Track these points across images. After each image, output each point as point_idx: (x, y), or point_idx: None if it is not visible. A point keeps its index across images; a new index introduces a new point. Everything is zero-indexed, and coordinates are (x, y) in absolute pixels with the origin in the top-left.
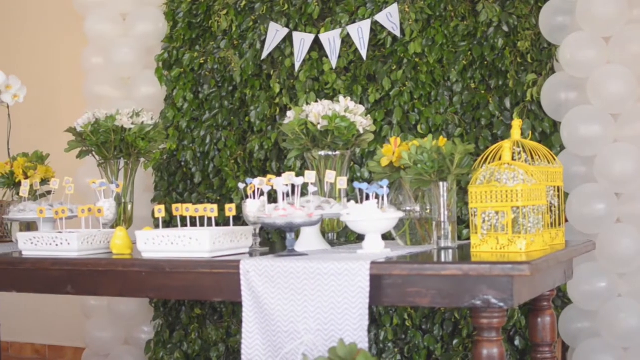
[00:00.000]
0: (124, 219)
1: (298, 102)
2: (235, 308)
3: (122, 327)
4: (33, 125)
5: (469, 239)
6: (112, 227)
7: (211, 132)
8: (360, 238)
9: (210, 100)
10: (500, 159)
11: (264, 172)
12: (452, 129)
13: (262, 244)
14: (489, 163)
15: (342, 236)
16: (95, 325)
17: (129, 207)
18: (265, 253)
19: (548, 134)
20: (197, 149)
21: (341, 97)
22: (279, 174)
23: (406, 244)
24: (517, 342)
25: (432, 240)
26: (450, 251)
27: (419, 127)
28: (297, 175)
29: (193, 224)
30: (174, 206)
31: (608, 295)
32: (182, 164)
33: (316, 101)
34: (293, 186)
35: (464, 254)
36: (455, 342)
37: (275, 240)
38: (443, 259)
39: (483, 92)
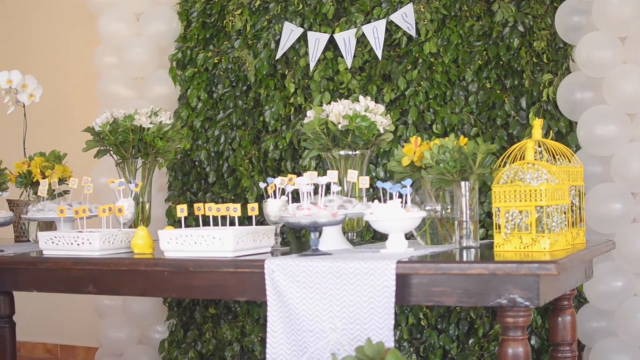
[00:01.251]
0: (141, 218)
1: (313, 101)
2: (249, 308)
3: (136, 326)
4: (45, 124)
5: (484, 238)
6: (131, 226)
7: (225, 132)
8: (375, 238)
9: (225, 100)
10: (521, 158)
11: (278, 172)
12: (468, 128)
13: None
14: (511, 163)
15: (357, 236)
16: (109, 324)
17: (147, 206)
18: (286, 252)
19: (564, 134)
20: (211, 148)
21: (361, 97)
22: (293, 174)
23: (427, 243)
24: (533, 342)
25: (452, 240)
26: (473, 250)
27: (434, 126)
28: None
29: (206, 223)
30: (195, 205)
31: (624, 294)
32: (196, 163)
33: (330, 101)
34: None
35: (487, 253)
36: (471, 341)
37: (290, 239)
38: (466, 258)
39: (498, 91)
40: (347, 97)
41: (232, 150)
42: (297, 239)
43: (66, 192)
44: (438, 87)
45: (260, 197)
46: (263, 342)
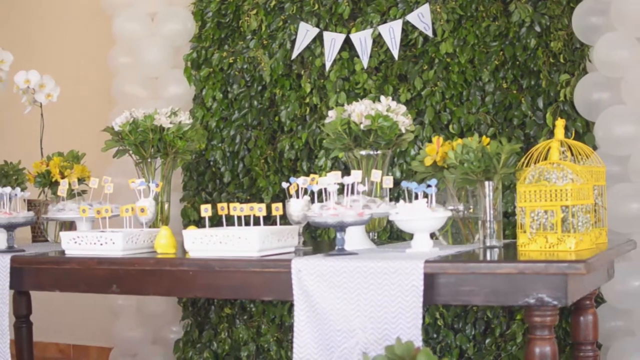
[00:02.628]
0: (160, 218)
1: (328, 102)
2: (265, 307)
3: (151, 326)
4: (58, 124)
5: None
6: (150, 226)
7: (241, 132)
8: (392, 237)
9: (240, 100)
10: (544, 158)
11: (294, 172)
12: (485, 128)
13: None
14: (533, 163)
15: (377, 236)
16: (123, 324)
17: (166, 206)
18: (308, 252)
19: (581, 134)
20: (227, 148)
21: (382, 97)
22: (309, 174)
23: (448, 243)
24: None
25: (474, 239)
26: (496, 250)
27: (450, 126)
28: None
29: (220, 224)
30: (219, 205)
31: None
32: (211, 163)
33: (346, 101)
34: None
35: (512, 253)
36: (487, 341)
37: (306, 239)
38: (490, 258)
39: (515, 92)
40: (362, 98)
41: (247, 150)
42: (312, 239)
43: (84, 192)
44: (454, 87)
45: (276, 197)
46: (279, 342)
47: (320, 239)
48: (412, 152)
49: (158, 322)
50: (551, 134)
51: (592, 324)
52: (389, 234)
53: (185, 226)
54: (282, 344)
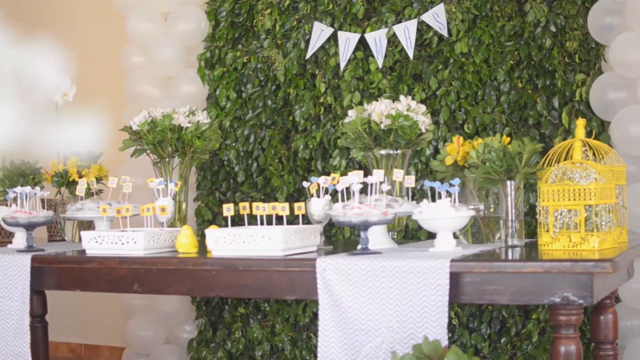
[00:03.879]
0: (178, 217)
1: (342, 101)
2: (279, 307)
3: (164, 326)
4: (70, 123)
5: None
6: (169, 225)
7: (255, 131)
8: (407, 237)
9: (254, 100)
10: (566, 157)
11: (308, 172)
12: (500, 128)
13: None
14: (554, 162)
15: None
16: (136, 324)
17: (183, 205)
18: (329, 251)
19: (596, 134)
20: (240, 148)
21: (402, 96)
22: (323, 173)
23: (468, 242)
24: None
25: (494, 239)
26: (518, 249)
27: (465, 126)
28: (342, 174)
29: (235, 223)
30: (240, 204)
31: None
32: (225, 163)
33: (361, 101)
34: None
35: (534, 252)
36: (502, 340)
37: None
38: (513, 257)
39: (530, 91)
40: (377, 97)
41: (261, 149)
42: (327, 238)
43: (100, 191)
44: (469, 86)
45: (290, 197)
46: (293, 341)
47: (334, 239)
48: (427, 152)
49: (171, 322)
50: (567, 133)
51: (612, 323)
52: (403, 234)
53: (200, 225)
54: (296, 344)
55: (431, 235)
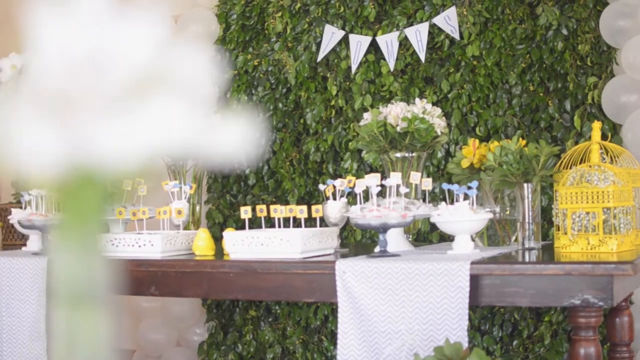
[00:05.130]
0: (192, 220)
1: (354, 104)
2: (291, 309)
3: (174, 328)
4: None
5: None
6: (184, 228)
7: (266, 134)
8: (419, 239)
9: (265, 102)
10: (582, 160)
11: (319, 174)
12: (511, 131)
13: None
14: (569, 165)
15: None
16: (147, 327)
17: (197, 208)
18: (346, 254)
19: (608, 137)
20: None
21: (417, 99)
22: (335, 176)
23: (484, 244)
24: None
25: (510, 241)
26: (535, 251)
27: (477, 129)
28: (358, 177)
29: (240, 227)
30: (258, 207)
31: None
32: (236, 165)
33: (372, 104)
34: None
35: (553, 255)
36: (515, 342)
37: None
38: (532, 259)
39: (542, 94)
40: (388, 100)
41: (272, 152)
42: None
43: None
44: (481, 89)
45: (301, 200)
46: (305, 344)
47: (346, 241)
48: (439, 155)
49: (182, 324)
50: (579, 136)
51: (627, 325)
52: (415, 237)
53: (210, 228)
54: (307, 346)
55: (442, 239)
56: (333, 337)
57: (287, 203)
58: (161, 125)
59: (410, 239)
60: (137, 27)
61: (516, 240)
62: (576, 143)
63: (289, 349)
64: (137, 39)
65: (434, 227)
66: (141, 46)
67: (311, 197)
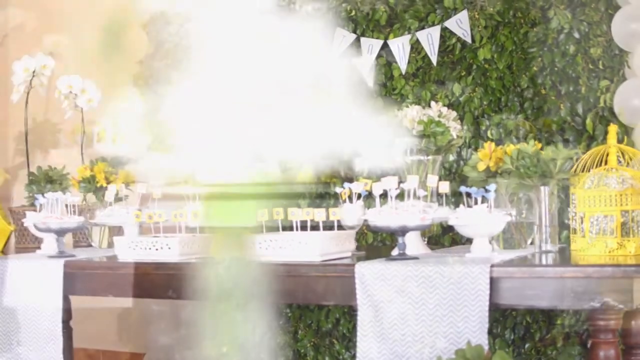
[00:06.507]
0: None
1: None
2: (302, 312)
3: (185, 331)
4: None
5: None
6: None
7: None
8: (430, 242)
9: None
10: (600, 163)
11: (331, 177)
12: (523, 134)
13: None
14: (587, 168)
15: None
16: (157, 330)
17: None
18: (362, 257)
19: (620, 140)
20: None
21: (432, 103)
22: (346, 180)
23: (500, 247)
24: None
25: (526, 244)
26: (552, 254)
27: (489, 132)
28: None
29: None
30: (274, 210)
31: None
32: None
33: (383, 107)
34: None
35: (571, 257)
36: (527, 345)
37: None
38: (550, 262)
39: (553, 97)
40: (400, 103)
41: None
42: None
43: (126, 196)
44: (493, 93)
45: (312, 203)
46: (316, 347)
47: (358, 244)
48: (451, 158)
49: (192, 327)
50: (591, 139)
51: None
52: (427, 240)
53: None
54: (319, 349)
55: (454, 242)
56: (344, 340)
57: (298, 206)
58: (335, 128)
59: (424, 241)
60: (308, 38)
61: (532, 242)
62: (588, 146)
63: (300, 352)
64: (311, 49)
65: (445, 230)
66: (315, 55)
67: (322, 201)
